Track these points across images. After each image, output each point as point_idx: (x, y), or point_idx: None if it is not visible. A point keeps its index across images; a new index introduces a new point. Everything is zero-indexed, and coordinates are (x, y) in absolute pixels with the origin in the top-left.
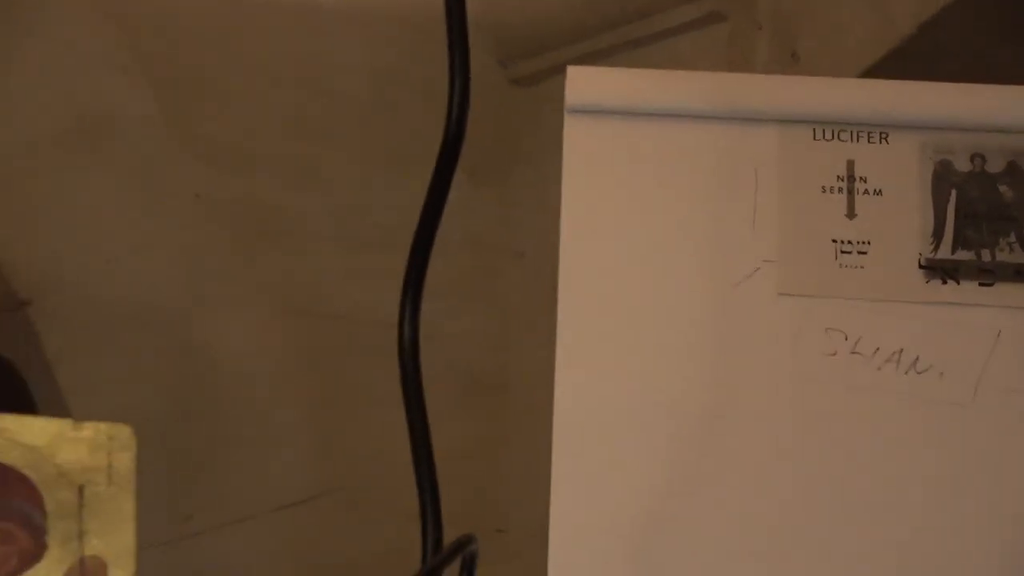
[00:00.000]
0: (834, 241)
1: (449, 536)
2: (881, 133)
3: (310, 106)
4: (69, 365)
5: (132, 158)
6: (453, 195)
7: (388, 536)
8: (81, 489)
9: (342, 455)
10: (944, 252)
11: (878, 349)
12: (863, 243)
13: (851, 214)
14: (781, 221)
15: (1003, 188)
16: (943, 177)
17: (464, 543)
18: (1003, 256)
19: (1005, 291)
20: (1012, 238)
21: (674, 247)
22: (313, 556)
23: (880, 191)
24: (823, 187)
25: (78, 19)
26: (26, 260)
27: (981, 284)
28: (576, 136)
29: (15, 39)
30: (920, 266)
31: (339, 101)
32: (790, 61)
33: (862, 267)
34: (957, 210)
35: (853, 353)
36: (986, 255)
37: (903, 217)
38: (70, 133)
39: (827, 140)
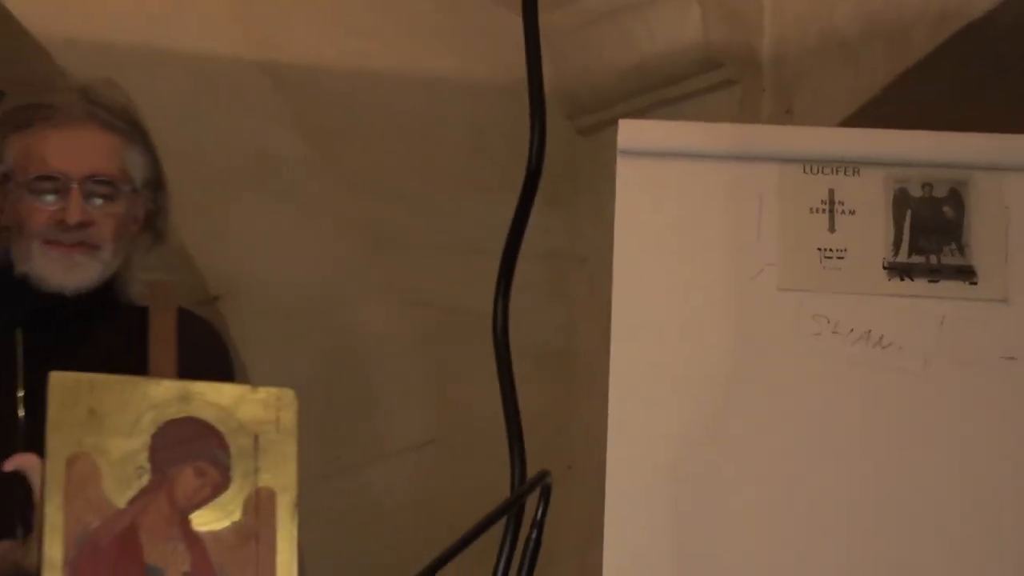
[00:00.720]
0: (819, 249)
1: (530, 471)
2: (854, 168)
3: (425, 148)
4: (248, 344)
5: (292, 189)
6: (533, 216)
7: (484, 471)
8: (256, 437)
9: (450, 410)
10: (902, 256)
11: (852, 329)
12: (841, 250)
13: (832, 229)
14: (779, 234)
15: (946, 209)
16: (901, 201)
17: (541, 477)
18: (946, 260)
19: (948, 286)
20: (953, 246)
21: (701, 252)
22: (428, 486)
23: (854, 211)
24: (811, 208)
25: (256, 87)
26: (216, 265)
27: (930, 281)
28: (626, 172)
29: (208, 101)
30: (884, 267)
31: (447, 145)
32: (786, 115)
33: (840, 268)
34: (912, 226)
35: (834, 333)
36: (933, 259)
37: (871, 231)
38: (247, 170)
39: (814, 174)
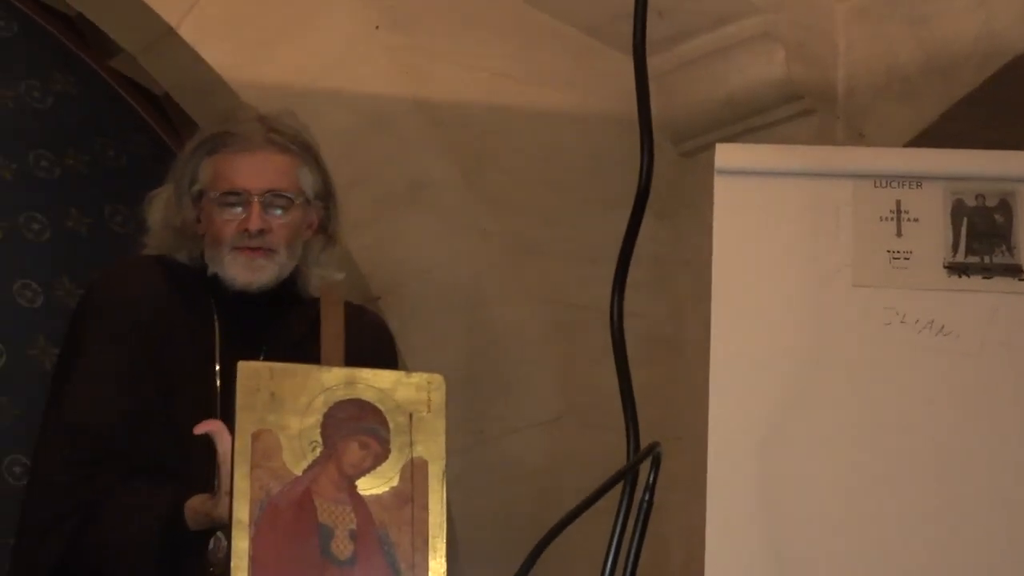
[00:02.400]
0: (888, 251)
1: (643, 443)
2: (917, 182)
3: (552, 171)
4: (405, 337)
5: (441, 206)
6: (643, 227)
7: (604, 441)
8: (411, 415)
9: (574, 391)
10: (959, 257)
11: (917, 320)
12: (907, 252)
13: (899, 234)
14: (854, 239)
15: (997, 216)
16: (958, 210)
17: (653, 447)
18: (998, 259)
19: (999, 282)
20: (1003, 248)
21: (786, 255)
22: (556, 456)
23: (917, 219)
24: (880, 217)
25: (411, 122)
26: (379, 271)
27: (984, 277)
28: (722, 188)
29: (371, 134)
30: (944, 266)
31: (570, 168)
32: (858, 139)
33: (906, 268)
34: (967, 231)
35: (902, 323)
36: (987, 259)
37: (933, 235)
38: (404, 192)
39: (883, 187)
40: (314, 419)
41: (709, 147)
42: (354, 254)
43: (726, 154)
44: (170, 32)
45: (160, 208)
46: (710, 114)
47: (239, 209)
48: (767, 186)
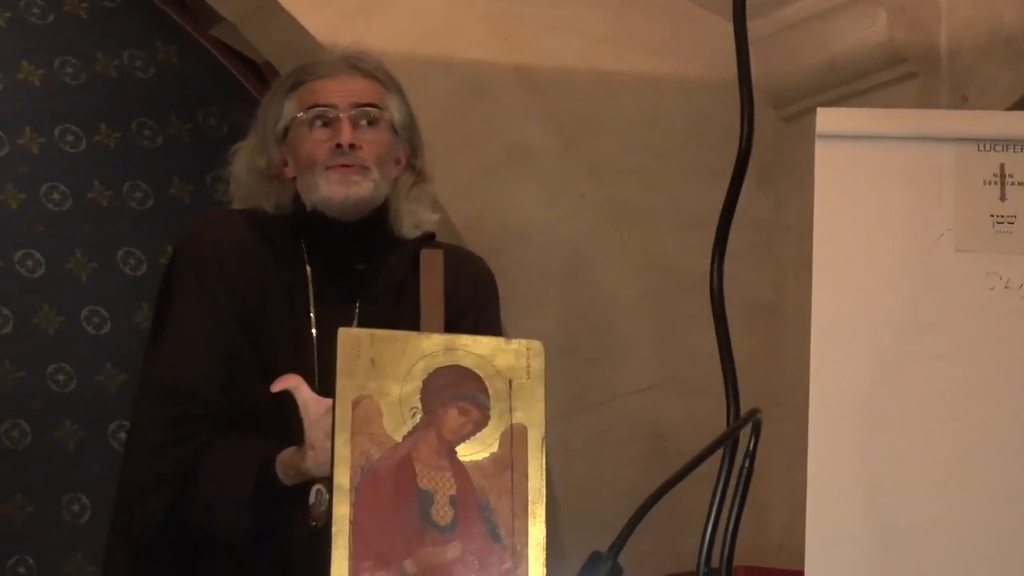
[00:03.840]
0: (991, 216)
1: (743, 409)
2: (1021, 145)
3: (652, 137)
4: (505, 302)
5: (541, 172)
6: (743, 192)
7: (704, 409)
8: (510, 382)
9: (674, 358)
10: None
11: (1021, 285)
12: (1011, 217)
13: (1003, 198)
14: (956, 203)
15: None
16: None
17: (753, 413)
18: None
19: None
20: None
21: (889, 220)
22: (656, 422)
23: (1022, 183)
24: (984, 181)
25: (511, 88)
26: (478, 236)
27: None
28: (823, 153)
29: (473, 101)
30: None
31: (671, 134)
32: (961, 102)
33: (1010, 232)
34: None
35: (1005, 288)
36: None
37: None
38: (505, 158)
39: (986, 151)
40: (414, 385)
41: (810, 112)
42: (454, 221)
43: (828, 119)
44: (270, 0)
45: (244, 156)
46: (811, 78)
47: (327, 130)
48: (869, 150)
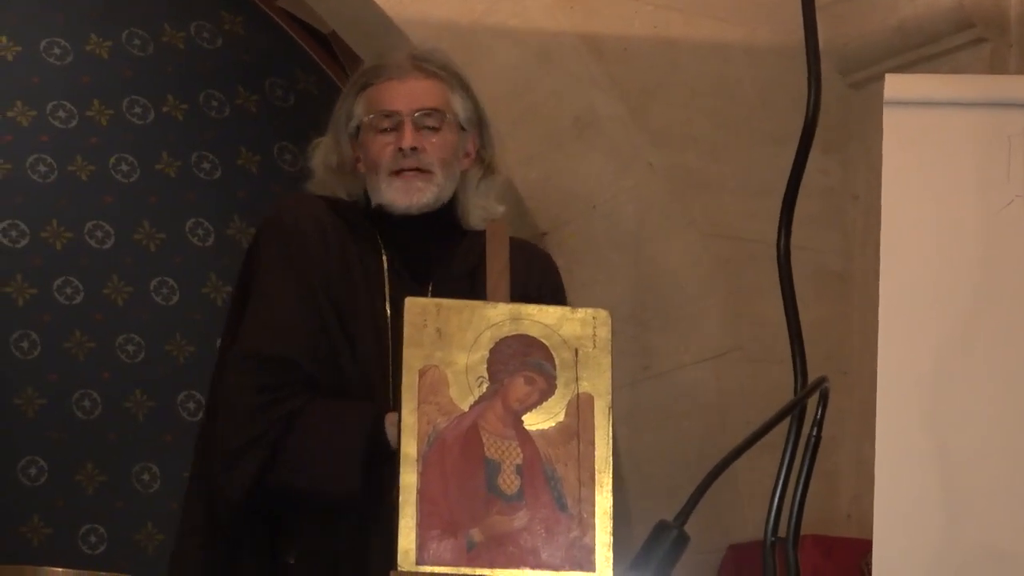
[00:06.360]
0: None
1: (810, 377)
2: None
3: (718, 104)
4: (571, 271)
5: (607, 141)
6: (811, 160)
7: (771, 377)
8: (576, 351)
9: (741, 326)
10: None
11: None
12: None
13: None
14: None
15: None
16: None
17: (820, 382)
18: None
19: None
20: None
21: (958, 186)
22: (723, 390)
23: None
24: None
25: (577, 56)
26: (545, 205)
27: None
28: (892, 120)
29: (539, 69)
30: None
31: (737, 101)
32: None
33: None
34: None
35: None
36: None
37: None
38: (570, 127)
39: None
40: (480, 355)
41: (878, 78)
42: (521, 189)
43: (896, 84)
44: None
45: (321, 152)
46: (879, 44)
47: (392, 133)
48: (938, 117)
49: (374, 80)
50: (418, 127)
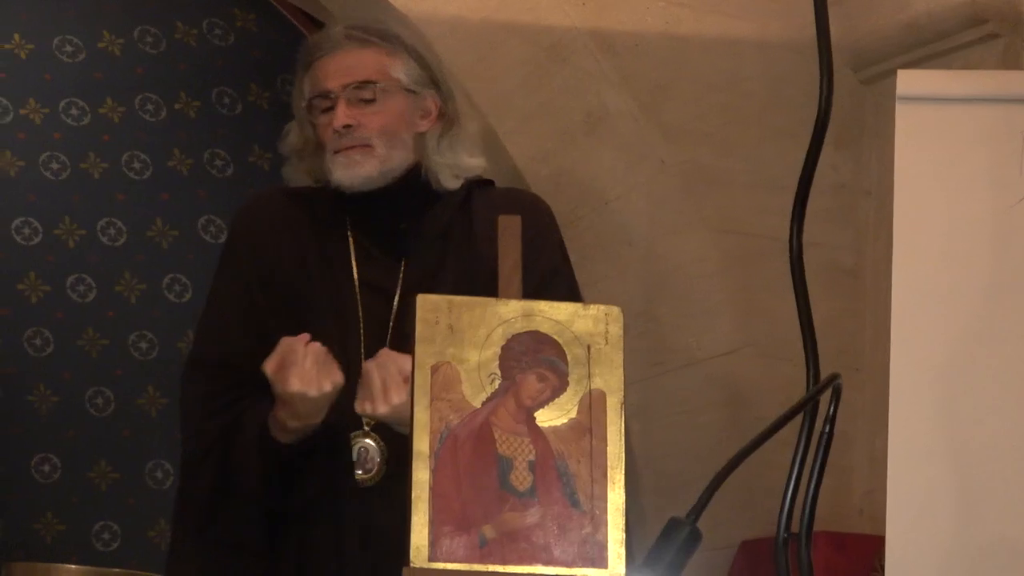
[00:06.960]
0: None
1: (823, 374)
2: None
3: (730, 100)
4: (583, 268)
5: (619, 137)
6: (823, 156)
7: (783, 373)
8: (589, 347)
9: (753, 322)
10: None
11: None
12: None
13: None
14: None
15: None
16: None
17: (833, 378)
18: None
19: None
20: None
21: (969, 183)
22: (735, 386)
23: None
24: None
25: (588, 52)
26: (556, 201)
27: None
28: (904, 115)
29: (550, 65)
30: None
31: (749, 96)
32: None
33: None
34: None
35: None
36: None
37: None
38: (580, 123)
39: None
40: (492, 351)
41: (891, 73)
42: (532, 185)
43: (908, 80)
44: None
45: (291, 137)
46: (891, 40)
47: (329, 112)
48: (950, 113)
49: (313, 56)
50: (352, 101)
